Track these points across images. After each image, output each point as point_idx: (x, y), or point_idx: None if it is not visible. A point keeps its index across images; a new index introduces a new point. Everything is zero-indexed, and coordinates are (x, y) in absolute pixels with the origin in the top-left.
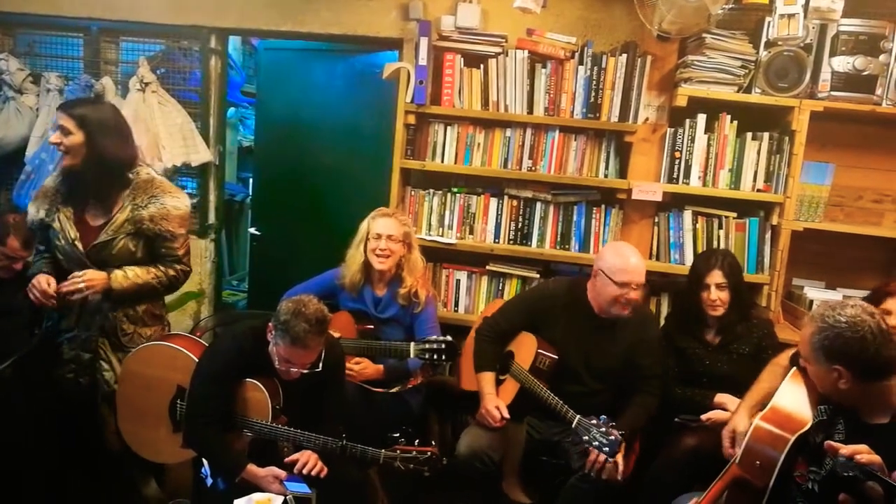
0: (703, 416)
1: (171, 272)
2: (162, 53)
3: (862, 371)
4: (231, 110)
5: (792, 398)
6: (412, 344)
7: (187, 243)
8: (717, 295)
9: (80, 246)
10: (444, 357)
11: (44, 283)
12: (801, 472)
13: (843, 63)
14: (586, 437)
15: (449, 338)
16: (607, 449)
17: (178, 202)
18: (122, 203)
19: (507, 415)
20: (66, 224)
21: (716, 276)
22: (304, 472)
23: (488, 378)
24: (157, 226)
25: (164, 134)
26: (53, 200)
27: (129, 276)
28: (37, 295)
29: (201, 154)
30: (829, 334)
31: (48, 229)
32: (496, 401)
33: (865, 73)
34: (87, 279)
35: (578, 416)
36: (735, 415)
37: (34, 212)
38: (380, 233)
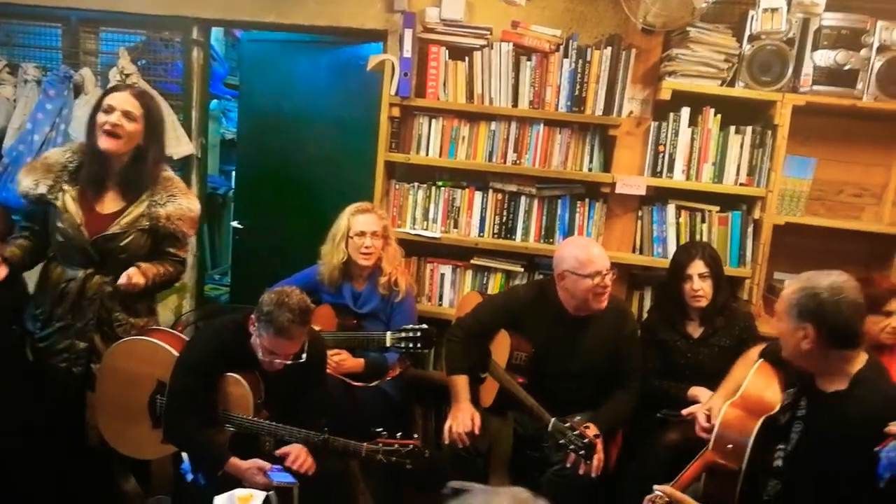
0: (684, 412)
1: (173, 270)
2: (143, 44)
3: (829, 334)
4: (213, 102)
5: (759, 386)
6: (388, 333)
7: (188, 245)
8: (699, 285)
9: (85, 232)
10: (419, 345)
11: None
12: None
13: (825, 57)
14: (562, 441)
15: (425, 325)
16: (583, 452)
17: (192, 204)
18: (140, 197)
19: (477, 428)
20: (72, 206)
21: (698, 267)
22: (295, 467)
23: (459, 382)
24: (172, 225)
25: None
26: (59, 177)
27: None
28: None
29: (183, 147)
30: (809, 293)
31: (46, 205)
32: (469, 411)
33: (847, 67)
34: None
35: (553, 420)
36: (711, 398)
37: (31, 184)
38: (363, 230)
